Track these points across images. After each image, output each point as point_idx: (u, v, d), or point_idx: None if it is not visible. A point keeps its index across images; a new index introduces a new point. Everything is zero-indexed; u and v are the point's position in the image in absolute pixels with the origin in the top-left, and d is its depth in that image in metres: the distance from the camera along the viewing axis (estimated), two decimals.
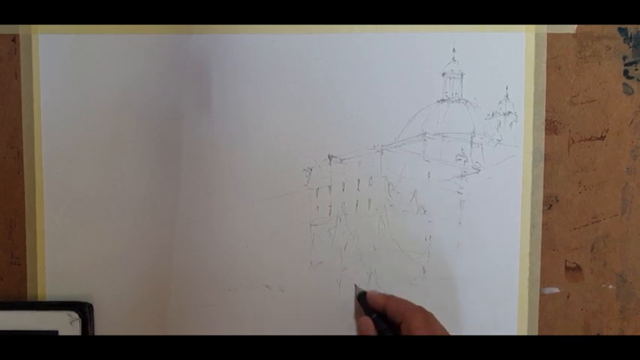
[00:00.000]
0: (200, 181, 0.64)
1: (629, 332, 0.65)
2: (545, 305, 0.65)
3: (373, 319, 0.58)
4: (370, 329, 0.58)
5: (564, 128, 0.64)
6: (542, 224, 0.65)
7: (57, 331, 0.63)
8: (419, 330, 0.55)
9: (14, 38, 0.64)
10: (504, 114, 0.64)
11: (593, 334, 0.65)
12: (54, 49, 0.64)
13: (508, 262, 0.64)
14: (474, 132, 0.64)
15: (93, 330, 0.64)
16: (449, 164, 0.64)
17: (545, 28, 0.63)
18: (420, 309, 0.57)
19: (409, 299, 0.58)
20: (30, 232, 0.64)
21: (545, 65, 0.64)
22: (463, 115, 0.64)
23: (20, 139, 0.64)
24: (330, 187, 0.64)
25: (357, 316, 0.61)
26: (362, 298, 0.61)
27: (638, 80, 0.64)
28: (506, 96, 0.64)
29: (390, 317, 0.58)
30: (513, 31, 0.63)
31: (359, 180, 0.64)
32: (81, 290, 0.65)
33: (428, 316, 0.57)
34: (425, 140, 0.64)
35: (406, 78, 0.64)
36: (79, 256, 0.65)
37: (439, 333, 0.56)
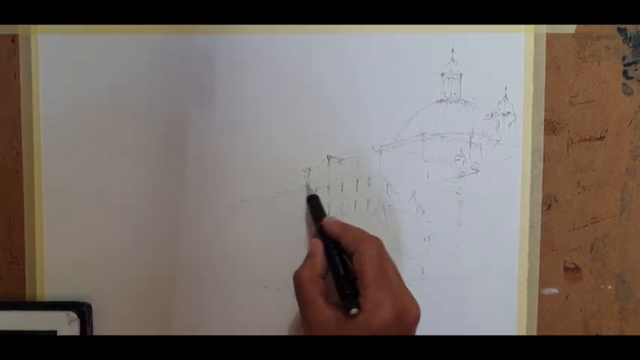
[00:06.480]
0: (199, 181, 0.64)
1: (628, 333, 0.65)
2: (544, 306, 0.65)
3: (325, 246, 0.58)
4: (319, 253, 0.58)
5: (563, 128, 0.64)
6: (541, 224, 0.64)
7: (55, 331, 0.63)
8: (371, 260, 0.55)
9: (13, 38, 0.64)
10: (503, 114, 0.64)
11: (592, 334, 0.65)
12: (53, 50, 0.64)
13: (507, 263, 0.64)
14: (472, 132, 0.64)
15: (91, 330, 0.64)
16: (448, 164, 0.64)
17: (544, 28, 0.63)
18: (373, 238, 0.57)
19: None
20: (29, 232, 0.65)
21: (544, 65, 0.64)
22: (462, 115, 0.64)
23: (19, 139, 0.64)
24: (328, 187, 0.64)
25: (309, 225, 0.61)
26: (316, 219, 0.61)
27: (637, 80, 0.64)
28: (505, 96, 0.64)
29: (344, 247, 0.57)
30: (512, 31, 0.63)
31: (357, 180, 0.64)
32: (80, 290, 0.65)
33: (380, 246, 0.56)
34: (424, 140, 0.64)
35: (405, 78, 0.64)
36: (78, 257, 0.65)
37: (388, 263, 0.55)
